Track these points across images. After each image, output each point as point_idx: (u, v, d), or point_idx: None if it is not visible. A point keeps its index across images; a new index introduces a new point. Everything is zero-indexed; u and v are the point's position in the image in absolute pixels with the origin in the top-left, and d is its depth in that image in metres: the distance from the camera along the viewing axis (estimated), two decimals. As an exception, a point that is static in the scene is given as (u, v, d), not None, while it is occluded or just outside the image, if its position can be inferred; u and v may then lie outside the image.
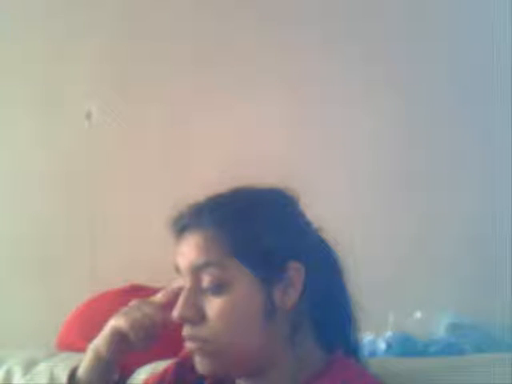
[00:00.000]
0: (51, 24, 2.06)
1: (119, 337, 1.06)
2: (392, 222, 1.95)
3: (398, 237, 1.93)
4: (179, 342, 1.04)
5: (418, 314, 1.82)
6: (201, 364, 1.02)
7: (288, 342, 1.02)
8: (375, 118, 2.00)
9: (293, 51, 2.02)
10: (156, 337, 1.07)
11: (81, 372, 1.09)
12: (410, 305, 1.84)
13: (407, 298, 1.87)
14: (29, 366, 1.56)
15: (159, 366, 1.31)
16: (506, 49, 1.96)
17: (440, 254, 1.93)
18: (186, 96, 2.03)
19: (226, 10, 2.04)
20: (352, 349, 1.08)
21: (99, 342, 1.08)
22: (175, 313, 1.01)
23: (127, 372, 1.40)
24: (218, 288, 0.99)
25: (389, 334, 1.72)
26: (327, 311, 1.05)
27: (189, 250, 1.02)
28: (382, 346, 1.67)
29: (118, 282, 1.74)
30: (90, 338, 1.10)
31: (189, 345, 1.02)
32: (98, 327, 1.09)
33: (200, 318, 1.00)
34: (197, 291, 1.01)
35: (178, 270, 1.05)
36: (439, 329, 1.82)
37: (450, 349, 1.67)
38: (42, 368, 1.54)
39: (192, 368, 1.05)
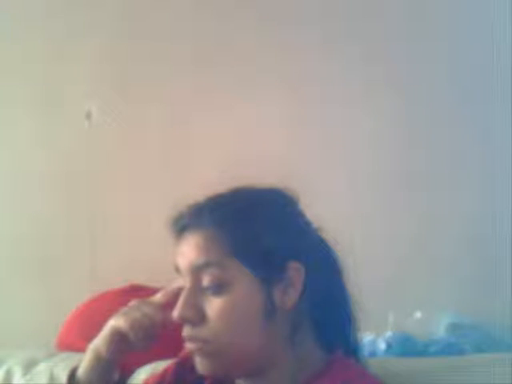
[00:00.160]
0: (51, 24, 2.06)
1: (119, 337, 1.06)
2: (392, 221, 1.95)
3: (398, 237, 1.93)
4: (179, 342, 1.04)
5: (418, 314, 1.83)
6: (201, 364, 1.02)
7: (288, 342, 1.02)
8: (375, 117, 2.00)
9: (293, 51, 2.02)
10: (156, 337, 1.07)
11: (80, 372, 1.08)
12: (410, 305, 1.84)
13: (407, 298, 1.87)
14: (29, 366, 1.56)
15: (159, 365, 1.31)
16: (506, 49, 1.96)
17: (440, 254, 1.93)
18: (186, 96, 2.03)
19: (226, 10, 2.04)
20: (352, 349, 1.08)
21: (99, 342, 1.08)
22: (175, 313, 1.01)
23: (127, 372, 1.40)
24: (218, 288, 0.99)
25: (389, 334, 1.72)
26: (327, 311, 1.05)
27: (189, 250, 1.02)
28: (381, 346, 1.67)
29: (118, 282, 1.74)
30: (90, 338, 1.10)
31: (189, 345, 1.02)
32: (98, 327, 1.09)
33: (200, 318, 1.00)
34: (197, 291, 1.01)
35: (177, 270, 1.05)
36: (439, 329, 1.82)
37: (450, 349, 1.68)
38: (42, 368, 1.54)
39: (192, 368, 1.05)
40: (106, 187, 2.03)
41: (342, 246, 1.09)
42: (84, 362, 1.09)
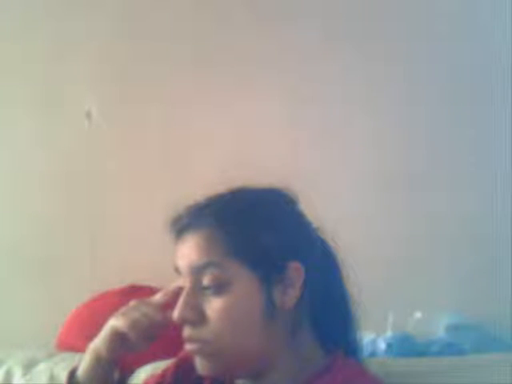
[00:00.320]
0: (51, 24, 2.06)
1: (118, 337, 1.06)
2: (392, 221, 1.95)
3: (398, 237, 1.93)
4: (179, 342, 1.04)
5: (418, 314, 1.83)
6: (201, 365, 1.02)
7: (288, 342, 1.02)
8: (375, 117, 2.00)
9: (292, 51, 2.02)
10: (155, 337, 1.07)
11: (80, 372, 1.09)
12: (410, 305, 1.84)
13: (407, 298, 1.87)
14: (29, 366, 1.56)
15: (159, 365, 1.31)
16: (506, 49, 1.96)
17: (440, 254, 1.93)
18: (186, 96, 2.03)
19: (226, 10, 2.04)
20: (352, 349, 1.08)
21: (99, 342, 1.08)
22: (175, 314, 1.01)
23: (127, 372, 1.40)
24: (218, 288, 0.99)
25: (389, 334, 1.72)
26: (327, 311, 1.05)
27: (189, 251, 1.02)
28: (381, 346, 1.67)
29: (118, 282, 1.74)
30: (90, 338, 1.10)
31: (189, 346, 1.02)
32: (98, 327, 1.09)
33: (200, 319, 1.00)
34: (197, 292, 1.01)
35: (177, 270, 1.05)
36: (439, 329, 1.82)
37: (449, 349, 1.68)
38: (42, 368, 1.54)
39: (192, 368, 1.05)
40: (106, 187, 2.03)
41: (342, 245, 1.09)
42: (84, 362, 1.09)
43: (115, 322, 1.07)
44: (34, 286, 1.98)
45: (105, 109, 2.03)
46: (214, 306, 0.99)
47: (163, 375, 1.16)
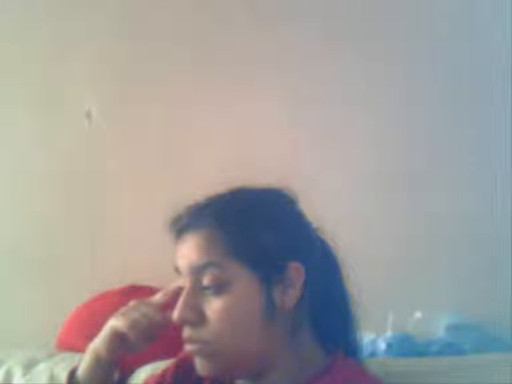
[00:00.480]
0: (51, 24, 2.06)
1: (118, 337, 1.06)
2: (392, 222, 1.95)
3: (398, 237, 1.93)
4: (179, 342, 1.04)
5: (418, 314, 1.83)
6: (201, 365, 1.02)
7: (288, 342, 1.02)
8: (375, 117, 2.00)
9: (292, 51, 2.02)
10: (155, 337, 1.07)
11: (80, 372, 1.09)
12: (410, 305, 1.84)
13: (407, 298, 1.87)
14: (29, 366, 1.56)
15: (159, 365, 1.31)
16: (506, 49, 1.96)
17: (440, 254, 1.93)
18: (186, 96, 2.03)
19: (226, 10, 2.03)
20: (352, 349, 1.08)
21: (98, 342, 1.08)
22: (175, 315, 1.01)
23: (127, 372, 1.40)
24: (218, 288, 0.99)
25: (389, 334, 1.72)
26: (327, 311, 1.05)
27: (189, 251, 1.02)
28: (382, 346, 1.67)
29: (118, 282, 1.74)
30: (89, 338, 1.10)
31: (189, 347, 1.02)
32: (98, 327, 1.09)
33: (200, 319, 1.00)
34: (196, 292, 1.01)
35: (177, 270, 1.05)
36: (439, 329, 1.82)
37: (449, 349, 1.68)
38: (42, 368, 1.54)
39: (191, 369, 1.05)
40: (106, 187, 2.03)
41: (342, 246, 1.09)
42: (83, 362, 1.09)
43: (115, 323, 1.07)
44: (34, 286, 1.98)
45: (105, 109, 2.03)
46: (213, 306, 0.99)
47: (163, 375, 1.16)
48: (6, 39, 2.06)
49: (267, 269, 1.00)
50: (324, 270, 1.05)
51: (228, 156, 1.97)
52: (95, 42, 2.05)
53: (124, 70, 2.05)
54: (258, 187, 1.07)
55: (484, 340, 1.73)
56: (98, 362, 1.07)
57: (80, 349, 1.21)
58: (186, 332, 1.01)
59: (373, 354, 1.66)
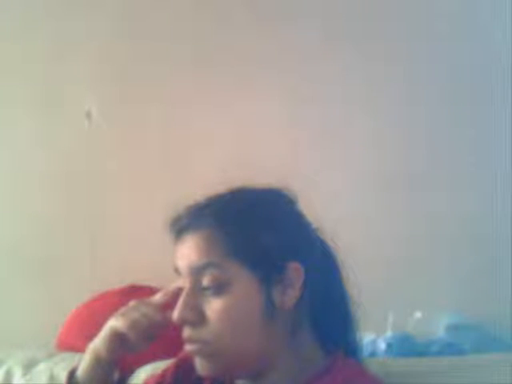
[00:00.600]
0: (51, 24, 2.06)
1: (118, 337, 1.06)
2: (392, 222, 1.95)
3: (398, 237, 1.93)
4: (179, 342, 1.04)
5: (418, 314, 1.83)
6: (201, 365, 1.02)
7: (288, 342, 1.02)
8: (375, 117, 2.00)
9: (292, 51, 2.02)
10: (155, 337, 1.07)
11: (80, 372, 1.08)
12: (410, 305, 1.84)
13: (407, 298, 1.87)
14: (29, 366, 1.56)
15: (159, 365, 1.31)
16: (506, 49, 1.96)
17: (440, 254, 1.93)
18: (186, 96, 2.03)
19: (226, 10, 2.03)
20: (352, 349, 1.08)
21: (98, 342, 1.08)
22: (175, 315, 1.01)
23: (127, 372, 1.40)
24: (218, 289, 0.99)
25: (389, 334, 1.72)
26: (327, 311, 1.05)
27: (189, 252, 1.02)
28: (382, 346, 1.67)
29: (118, 282, 1.74)
30: (89, 338, 1.10)
31: (189, 347, 1.02)
32: (98, 327, 1.09)
33: (200, 319, 1.00)
34: (196, 292, 1.01)
35: (177, 271, 1.05)
36: (439, 329, 1.82)
37: (449, 349, 1.68)
38: (42, 368, 1.54)
39: (191, 369, 1.05)
40: (106, 187, 2.03)
41: (342, 246, 1.09)
42: (83, 362, 1.09)
43: (115, 323, 1.07)
44: (34, 286, 1.98)
45: (105, 109, 2.03)
46: (213, 306, 0.99)
47: (163, 375, 1.16)
48: (6, 39, 2.06)
49: (267, 269, 1.00)
50: (324, 270, 1.05)
51: (228, 156, 1.97)
52: (95, 42, 2.05)
53: (124, 70, 2.05)
54: (257, 187, 1.07)
55: (484, 340, 1.73)
56: (97, 361, 1.07)
57: (80, 349, 1.21)
58: (186, 332, 1.01)
59: (373, 354, 1.66)
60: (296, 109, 2.01)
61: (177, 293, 1.04)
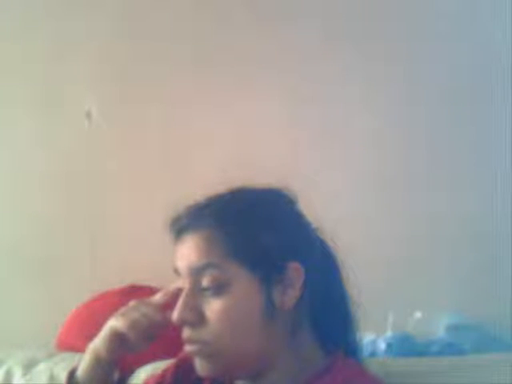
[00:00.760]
0: (51, 24, 2.06)
1: (118, 337, 1.06)
2: (392, 222, 1.95)
3: (398, 237, 1.93)
4: (179, 342, 1.04)
5: (418, 314, 1.83)
6: (201, 366, 1.02)
7: (288, 343, 1.02)
8: (375, 117, 2.00)
9: (292, 51, 2.02)
10: (155, 337, 1.07)
11: (80, 372, 1.08)
12: (410, 305, 1.84)
13: (407, 298, 1.87)
14: (29, 366, 1.56)
15: (159, 365, 1.31)
16: (506, 49, 1.96)
17: (440, 254, 1.93)
18: (186, 96, 2.03)
19: (226, 10, 2.03)
20: (352, 349, 1.08)
21: (98, 342, 1.08)
22: (175, 316, 1.01)
23: (127, 372, 1.40)
24: (218, 289, 0.99)
25: (389, 334, 1.72)
26: (327, 311, 1.05)
27: (188, 252, 1.02)
28: (382, 346, 1.67)
29: (118, 282, 1.74)
30: (89, 338, 1.10)
31: (188, 347, 1.02)
32: (98, 327, 1.09)
33: (200, 320, 1.00)
34: (196, 293, 1.01)
35: (176, 271, 1.05)
36: (439, 329, 1.82)
37: (450, 349, 1.68)
38: (42, 368, 1.54)
39: (191, 369, 1.05)
40: (106, 187, 2.03)
41: (342, 246, 1.09)
42: (83, 362, 1.09)
43: (115, 323, 1.07)
44: (34, 286, 1.98)
45: (105, 109, 2.03)
46: (213, 307, 0.99)
47: (163, 375, 1.16)
48: (6, 39, 2.06)
49: (267, 269, 1.00)
50: (324, 270, 1.05)
51: (228, 156, 1.97)
52: (95, 42, 2.05)
53: (124, 70, 2.05)
54: (257, 187, 1.07)
55: (484, 340, 1.73)
56: (97, 361, 1.07)
57: (80, 349, 1.21)
58: (186, 333, 1.01)
59: (373, 354, 1.66)
60: (296, 109, 2.01)
61: (176, 293, 1.04)
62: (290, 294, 1.00)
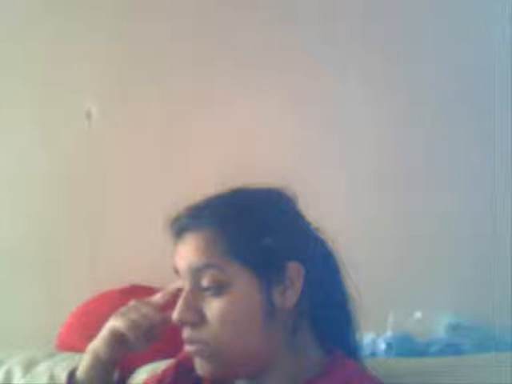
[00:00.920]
0: (51, 24, 2.06)
1: (118, 337, 1.06)
2: (392, 221, 1.95)
3: (397, 237, 1.93)
4: (179, 341, 1.04)
5: (418, 314, 1.83)
6: (201, 366, 1.02)
7: (288, 342, 1.02)
8: (375, 117, 2.00)
9: (293, 51, 2.02)
10: (154, 337, 1.07)
11: (80, 373, 1.08)
12: (410, 305, 1.84)
13: (407, 298, 1.87)
14: (29, 366, 1.56)
15: (159, 365, 1.31)
16: (506, 49, 1.96)
17: (440, 254, 1.93)
18: (186, 96, 2.03)
19: (226, 11, 2.03)
20: (352, 349, 1.08)
21: (98, 342, 1.08)
22: (175, 315, 1.01)
23: (127, 372, 1.40)
24: (218, 289, 0.99)
25: (389, 333, 1.72)
26: (327, 311, 1.05)
27: (188, 252, 1.02)
28: (381, 346, 1.67)
29: (118, 282, 1.74)
30: (89, 338, 1.10)
31: (188, 348, 1.02)
32: (98, 327, 1.09)
33: (200, 320, 1.00)
34: (196, 293, 1.01)
35: (176, 271, 1.05)
36: (439, 329, 1.82)
37: (449, 349, 1.68)
38: (42, 368, 1.54)
39: (191, 369, 1.05)
40: (106, 187, 2.03)
41: (342, 246, 1.09)
42: (83, 362, 1.08)
43: (114, 323, 1.07)
44: (34, 286, 1.98)
45: (105, 109, 2.03)
46: (213, 307, 0.99)
47: (163, 375, 1.16)
48: (6, 39, 2.06)
49: (267, 269, 1.00)
50: (324, 270, 1.05)
51: (228, 156, 1.97)
52: (95, 42, 2.05)
53: (124, 70, 2.05)
54: (257, 187, 1.07)
55: (484, 340, 1.73)
56: (97, 362, 1.07)
57: (80, 349, 1.21)
58: (186, 333, 1.01)
59: (373, 354, 1.66)
60: (296, 109, 2.01)
61: (176, 293, 1.04)
62: (289, 294, 1.00)
